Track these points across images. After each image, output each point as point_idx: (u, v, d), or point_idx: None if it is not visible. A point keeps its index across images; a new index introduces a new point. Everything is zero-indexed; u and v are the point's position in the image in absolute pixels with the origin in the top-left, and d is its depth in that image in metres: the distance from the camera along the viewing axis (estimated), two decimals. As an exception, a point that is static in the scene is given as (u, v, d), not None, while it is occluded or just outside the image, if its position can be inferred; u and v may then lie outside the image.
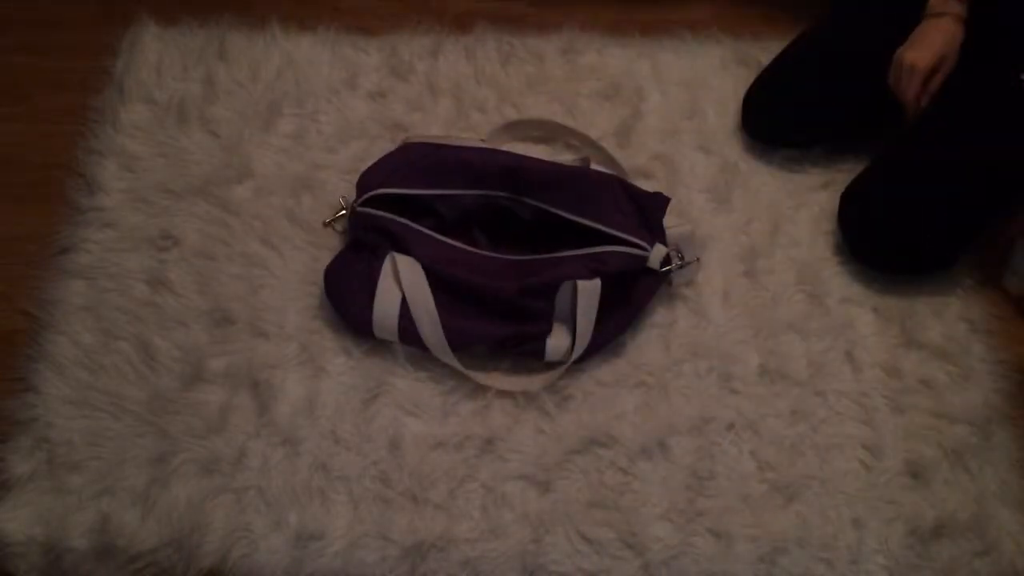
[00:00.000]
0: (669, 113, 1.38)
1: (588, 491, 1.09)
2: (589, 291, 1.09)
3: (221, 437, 1.11)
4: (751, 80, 1.35)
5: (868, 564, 1.06)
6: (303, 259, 1.23)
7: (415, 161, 1.19)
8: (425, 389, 1.14)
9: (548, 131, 1.33)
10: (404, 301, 1.11)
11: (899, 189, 1.18)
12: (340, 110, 1.37)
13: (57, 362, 1.15)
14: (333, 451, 1.10)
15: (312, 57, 1.41)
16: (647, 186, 1.29)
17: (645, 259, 1.14)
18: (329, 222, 1.22)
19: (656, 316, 1.20)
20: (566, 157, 1.31)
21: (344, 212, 1.21)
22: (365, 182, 1.19)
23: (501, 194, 1.19)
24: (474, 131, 1.34)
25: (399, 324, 1.11)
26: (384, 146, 1.33)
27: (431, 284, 1.11)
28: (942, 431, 1.14)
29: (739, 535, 1.07)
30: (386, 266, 1.12)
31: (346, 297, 1.15)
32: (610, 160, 1.29)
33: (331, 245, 1.24)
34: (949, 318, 1.22)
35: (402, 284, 1.11)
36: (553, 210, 1.16)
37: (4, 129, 1.38)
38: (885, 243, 1.20)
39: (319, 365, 1.16)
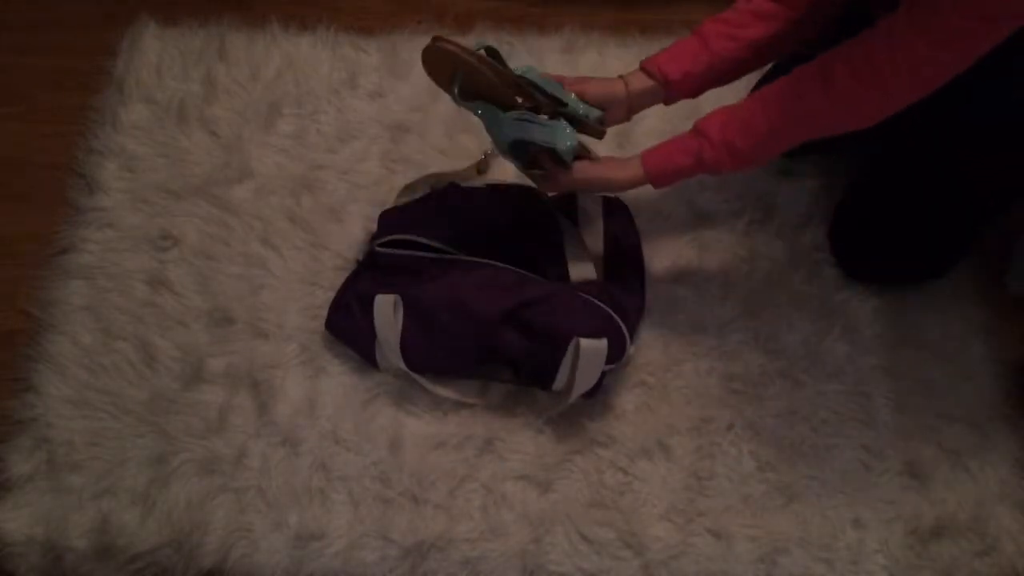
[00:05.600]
0: (669, 113, 1.37)
1: (588, 491, 1.09)
2: (593, 354, 1.05)
3: (221, 437, 1.11)
4: (752, 81, 1.34)
5: (868, 564, 1.06)
6: (303, 259, 1.23)
7: (440, 210, 1.19)
8: (425, 389, 1.13)
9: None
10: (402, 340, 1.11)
11: (887, 207, 1.18)
12: (340, 110, 1.37)
13: (57, 362, 1.15)
14: (333, 451, 1.10)
15: (312, 57, 1.41)
16: (647, 187, 1.30)
17: (623, 346, 1.10)
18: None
19: (656, 316, 1.20)
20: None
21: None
22: (388, 222, 1.18)
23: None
24: (474, 131, 1.34)
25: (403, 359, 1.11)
26: (384, 146, 1.33)
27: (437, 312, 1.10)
28: (942, 431, 1.14)
29: (739, 535, 1.07)
30: (377, 311, 1.10)
31: (354, 344, 1.15)
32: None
33: (331, 245, 1.24)
34: (949, 318, 1.22)
35: (376, 326, 1.10)
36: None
37: (4, 129, 1.38)
38: (875, 263, 1.21)
39: (319, 365, 1.16)
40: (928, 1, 0.84)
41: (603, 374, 1.08)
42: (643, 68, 1.07)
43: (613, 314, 1.09)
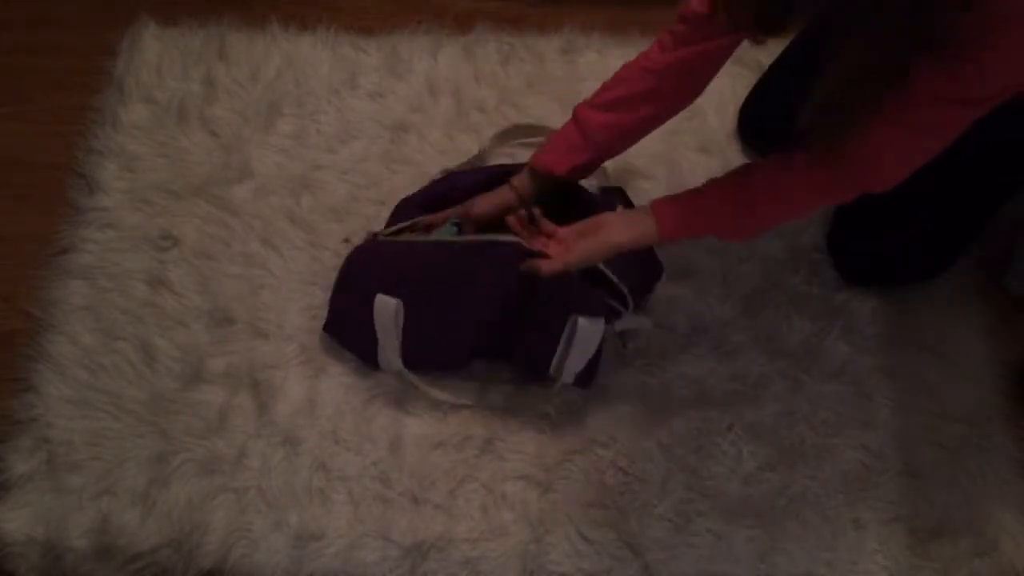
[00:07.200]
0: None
1: (588, 491, 1.09)
2: (590, 331, 1.04)
3: (221, 437, 1.11)
4: (751, 81, 1.35)
5: (868, 564, 1.06)
6: (303, 259, 1.23)
7: (418, 198, 1.20)
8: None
9: (543, 135, 1.32)
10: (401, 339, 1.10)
11: (884, 210, 1.18)
12: (340, 110, 1.37)
13: (57, 362, 1.15)
14: (333, 451, 1.10)
15: (312, 57, 1.41)
16: (647, 186, 1.30)
17: (624, 305, 1.09)
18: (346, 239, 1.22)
19: (656, 316, 1.20)
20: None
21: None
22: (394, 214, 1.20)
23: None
24: (474, 131, 1.34)
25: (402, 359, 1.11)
26: (384, 146, 1.33)
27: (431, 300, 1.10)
28: (942, 431, 1.14)
29: (739, 535, 1.07)
30: (378, 312, 1.09)
31: (353, 343, 1.15)
32: (601, 169, 1.28)
33: (331, 245, 1.24)
34: (949, 318, 1.22)
35: (376, 327, 1.09)
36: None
37: (4, 129, 1.38)
38: (873, 264, 1.21)
39: (319, 365, 1.16)
40: (900, 97, 0.82)
41: (598, 360, 1.09)
42: (532, 168, 1.10)
43: (615, 279, 1.08)
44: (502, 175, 1.14)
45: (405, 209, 1.19)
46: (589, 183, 1.22)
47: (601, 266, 1.08)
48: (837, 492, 1.10)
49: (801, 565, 1.06)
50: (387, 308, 1.08)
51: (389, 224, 1.18)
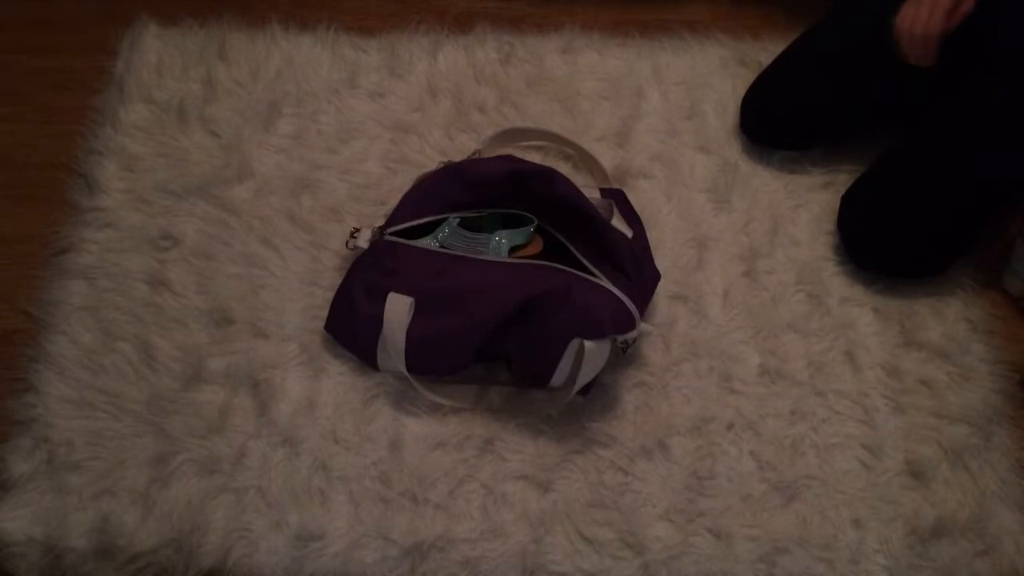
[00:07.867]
0: (669, 113, 1.38)
1: (588, 491, 1.09)
2: (596, 352, 1.04)
3: (221, 437, 1.11)
4: (751, 80, 1.35)
5: (868, 564, 1.06)
6: (303, 259, 1.23)
7: (426, 188, 1.19)
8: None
9: (542, 139, 1.32)
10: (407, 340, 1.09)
11: (896, 194, 1.18)
12: (340, 110, 1.37)
13: (57, 362, 1.15)
14: (333, 451, 1.10)
15: (312, 57, 1.41)
16: (646, 186, 1.30)
17: (631, 325, 1.08)
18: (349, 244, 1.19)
19: (656, 316, 1.20)
20: (563, 166, 1.32)
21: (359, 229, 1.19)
22: (393, 215, 1.19)
23: (510, 211, 1.17)
24: (474, 131, 1.34)
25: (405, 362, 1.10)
26: (384, 146, 1.33)
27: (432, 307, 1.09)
28: (942, 431, 1.14)
29: (739, 535, 1.07)
30: (390, 308, 1.09)
31: (353, 343, 1.15)
32: (601, 171, 1.28)
33: (331, 245, 1.24)
34: (949, 318, 1.22)
35: (384, 320, 1.08)
36: (569, 246, 1.14)
37: (4, 129, 1.38)
38: (880, 247, 1.21)
39: (319, 365, 1.16)
40: None
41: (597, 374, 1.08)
42: None
43: (622, 297, 1.08)
44: (515, 168, 1.14)
45: (409, 204, 1.18)
46: (587, 185, 1.23)
47: (607, 284, 1.08)
48: (837, 492, 1.10)
49: (801, 565, 1.06)
50: (400, 306, 1.08)
51: (393, 220, 1.17)
